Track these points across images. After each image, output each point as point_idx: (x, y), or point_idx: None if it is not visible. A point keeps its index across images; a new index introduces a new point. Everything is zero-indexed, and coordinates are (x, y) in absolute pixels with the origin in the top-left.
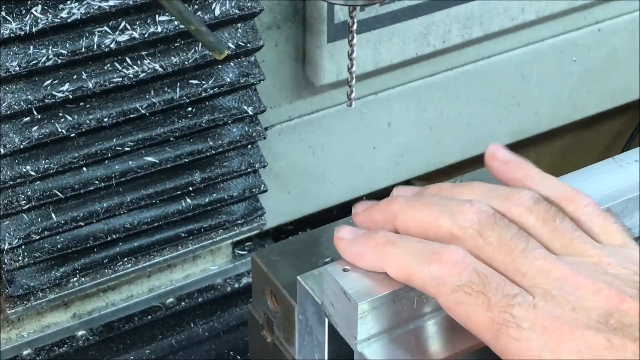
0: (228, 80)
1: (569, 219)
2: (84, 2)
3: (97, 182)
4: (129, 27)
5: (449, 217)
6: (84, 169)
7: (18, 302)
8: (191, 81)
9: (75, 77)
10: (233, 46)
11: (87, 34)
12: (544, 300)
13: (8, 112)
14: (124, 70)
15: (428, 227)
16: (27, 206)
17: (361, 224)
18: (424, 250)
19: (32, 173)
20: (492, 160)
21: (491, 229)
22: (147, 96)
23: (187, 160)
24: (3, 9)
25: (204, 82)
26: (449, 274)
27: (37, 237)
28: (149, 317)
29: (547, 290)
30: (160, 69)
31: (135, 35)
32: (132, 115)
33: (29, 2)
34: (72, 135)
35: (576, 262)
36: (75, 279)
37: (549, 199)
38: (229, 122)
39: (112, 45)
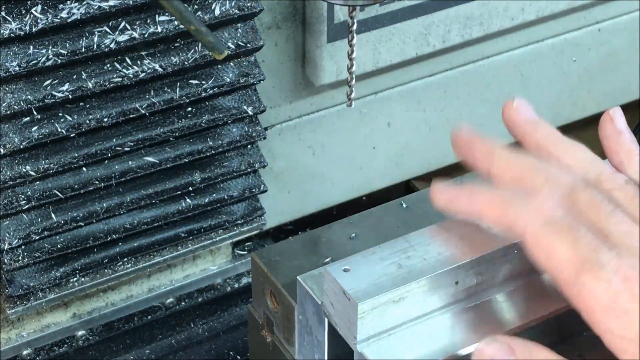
0: (228, 80)
1: None
2: (84, 2)
3: (97, 182)
4: (128, 27)
5: (545, 175)
6: (84, 169)
7: (18, 302)
8: (191, 81)
9: (75, 77)
10: (233, 46)
11: (87, 34)
12: (628, 254)
13: (8, 112)
14: (124, 70)
15: (523, 178)
16: (27, 206)
17: (459, 148)
18: (517, 192)
19: (32, 173)
20: (607, 123)
21: (582, 190)
22: (147, 96)
23: (187, 160)
24: (3, 9)
25: (203, 82)
26: (543, 209)
27: (37, 237)
28: (149, 317)
29: (630, 250)
30: (160, 69)
31: (135, 35)
32: (132, 115)
33: (28, 2)
34: (72, 135)
35: None
36: (75, 279)
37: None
38: (229, 122)
39: (112, 45)
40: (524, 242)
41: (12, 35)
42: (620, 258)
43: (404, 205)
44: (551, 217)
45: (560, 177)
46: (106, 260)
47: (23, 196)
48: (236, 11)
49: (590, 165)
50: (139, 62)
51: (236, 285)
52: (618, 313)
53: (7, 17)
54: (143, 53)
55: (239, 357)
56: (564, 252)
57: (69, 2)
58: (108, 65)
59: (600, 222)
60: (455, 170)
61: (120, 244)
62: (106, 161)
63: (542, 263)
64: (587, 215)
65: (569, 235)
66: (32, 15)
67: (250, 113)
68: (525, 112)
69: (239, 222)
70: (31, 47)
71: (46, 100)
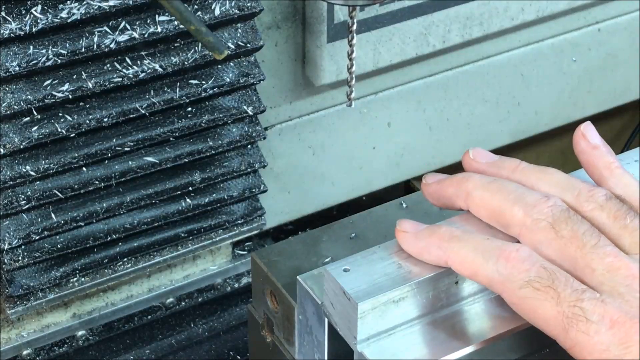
0: (228, 80)
1: None
2: (84, 2)
3: (97, 182)
4: (128, 27)
5: (524, 208)
6: (84, 169)
7: (18, 302)
8: (191, 81)
9: (75, 77)
10: (233, 46)
11: (87, 34)
12: (611, 297)
13: (8, 112)
14: (124, 70)
15: (500, 214)
16: (27, 206)
17: (431, 196)
18: (490, 247)
19: (32, 173)
20: (580, 139)
21: (564, 222)
22: (147, 96)
23: (187, 160)
24: (3, 9)
25: (203, 82)
26: (517, 271)
27: (37, 237)
28: (149, 317)
29: (614, 287)
30: (160, 69)
31: (135, 35)
32: (132, 115)
33: (28, 2)
34: (72, 135)
35: None
36: (75, 279)
37: (620, 197)
38: (229, 122)
39: (112, 45)
40: (505, 299)
41: (12, 35)
42: (604, 303)
43: (404, 205)
44: (527, 277)
45: (539, 206)
46: (106, 260)
47: (23, 196)
48: (236, 11)
49: (567, 186)
50: (139, 62)
51: (236, 285)
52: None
53: (7, 17)
54: (143, 53)
55: (239, 357)
56: (547, 311)
57: (69, 2)
58: (108, 65)
59: (584, 257)
60: (455, 171)
61: (120, 244)
62: (106, 161)
63: (527, 319)
64: (568, 252)
65: (548, 294)
66: (32, 15)
67: (250, 113)
68: (483, 156)
69: (239, 222)
70: (31, 47)
71: (46, 100)
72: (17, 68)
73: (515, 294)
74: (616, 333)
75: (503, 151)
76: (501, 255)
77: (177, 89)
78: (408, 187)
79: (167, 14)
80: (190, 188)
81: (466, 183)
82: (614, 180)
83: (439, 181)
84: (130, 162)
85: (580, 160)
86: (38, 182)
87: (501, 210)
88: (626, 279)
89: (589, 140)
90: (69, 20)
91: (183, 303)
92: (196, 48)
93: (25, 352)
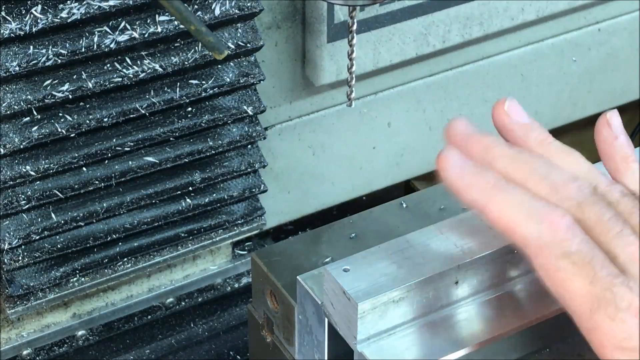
0: (228, 80)
1: None
2: (84, 2)
3: (97, 182)
4: (128, 27)
5: (551, 186)
6: (84, 169)
7: (18, 302)
8: (191, 81)
9: (75, 77)
10: (233, 46)
11: (87, 34)
12: (637, 284)
13: (8, 112)
14: (124, 70)
15: (525, 182)
16: (27, 206)
17: (455, 143)
18: (535, 206)
19: (32, 173)
20: (604, 127)
21: (592, 204)
22: (147, 96)
23: (187, 160)
24: (3, 9)
25: (203, 82)
26: (559, 238)
27: (37, 237)
28: (149, 317)
29: (635, 276)
30: (160, 69)
31: (135, 35)
32: (132, 115)
33: (28, 2)
34: (72, 135)
35: None
36: (75, 278)
37: (635, 195)
38: (229, 122)
39: (112, 45)
40: (535, 265)
41: (12, 35)
42: (632, 291)
43: (404, 205)
44: (569, 248)
45: (566, 188)
46: (106, 260)
47: (23, 196)
48: (236, 11)
49: (587, 175)
50: (139, 62)
51: (236, 285)
52: (629, 352)
53: (7, 17)
54: (143, 53)
55: (239, 357)
56: (580, 288)
57: (69, 2)
58: (108, 65)
59: (609, 243)
60: None
61: (120, 243)
62: (106, 161)
63: (554, 291)
64: (595, 234)
65: (584, 271)
66: (32, 15)
67: (250, 113)
68: (517, 114)
69: (239, 222)
70: (31, 47)
71: (46, 100)
72: (17, 68)
73: (551, 261)
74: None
75: None
76: (546, 217)
77: (177, 89)
78: (408, 187)
79: (167, 14)
80: (190, 188)
81: (492, 149)
82: (630, 176)
83: (467, 135)
84: (130, 162)
85: (599, 149)
86: (38, 182)
87: (526, 184)
88: None
89: (612, 129)
90: (69, 20)
91: (183, 303)
92: (196, 48)
93: (25, 352)
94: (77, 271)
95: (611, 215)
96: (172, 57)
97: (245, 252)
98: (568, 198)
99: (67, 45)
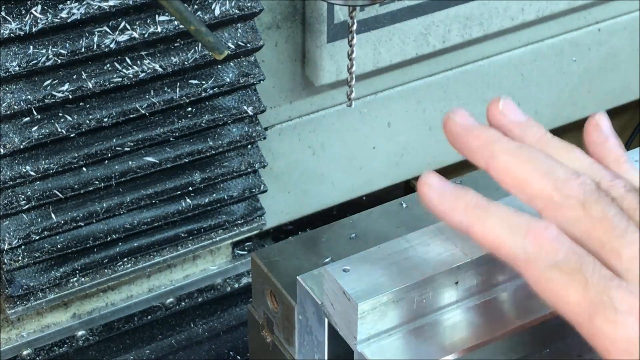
0: (228, 80)
1: None
2: (84, 2)
3: (97, 182)
4: (128, 27)
5: (554, 182)
6: (84, 169)
7: (18, 302)
8: (191, 81)
9: (75, 77)
10: (233, 46)
11: (86, 34)
12: (636, 286)
13: (8, 112)
14: (124, 70)
15: (527, 184)
16: (27, 206)
17: (454, 137)
18: (518, 222)
19: (32, 173)
20: (593, 129)
21: (595, 202)
22: (147, 96)
23: (186, 160)
24: (3, 9)
25: (203, 82)
26: (545, 250)
27: (37, 237)
28: (149, 317)
29: (637, 275)
30: (160, 69)
31: (135, 35)
32: (131, 115)
33: (28, 2)
34: (72, 135)
35: None
36: (75, 279)
37: (637, 189)
38: (229, 122)
39: (112, 45)
40: (527, 280)
41: (12, 35)
42: (631, 294)
43: (404, 205)
44: (556, 258)
45: (570, 183)
46: (106, 260)
47: (23, 196)
48: (236, 11)
49: (589, 171)
50: (139, 62)
51: (236, 286)
52: (636, 354)
53: (7, 17)
54: (143, 53)
55: (238, 357)
56: (575, 296)
57: (69, 2)
58: (108, 65)
59: (613, 241)
60: (455, 171)
61: (120, 244)
62: (106, 161)
63: (550, 303)
64: (596, 234)
65: (575, 278)
66: (32, 15)
67: (250, 113)
68: (513, 113)
69: (239, 222)
70: (31, 47)
71: (46, 100)
72: (17, 68)
73: (540, 274)
74: None
75: None
76: (530, 231)
77: (177, 89)
78: (408, 187)
79: (167, 14)
80: (190, 188)
81: (493, 144)
82: (626, 173)
83: (467, 127)
84: (130, 162)
85: (590, 152)
86: (38, 182)
87: (528, 180)
88: None
89: (602, 131)
90: (69, 20)
91: (183, 303)
92: (196, 48)
93: (25, 352)
94: (77, 271)
95: (615, 212)
96: (172, 57)
97: (245, 252)
98: (571, 195)
99: (67, 45)
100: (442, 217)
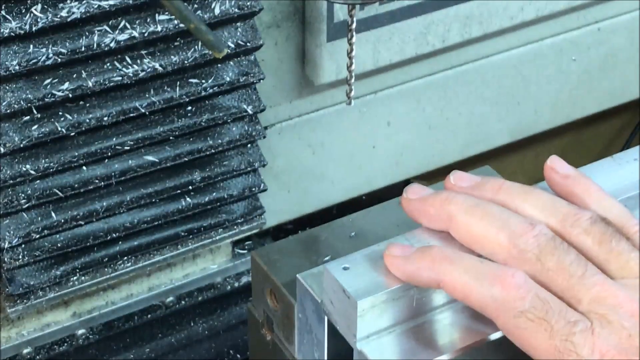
0: (228, 79)
1: (626, 240)
2: (84, 1)
3: (97, 181)
4: (128, 26)
5: (509, 237)
6: (84, 168)
7: (18, 301)
8: (191, 80)
9: (75, 76)
10: (232, 45)
11: (86, 33)
12: (600, 326)
13: (8, 111)
14: (124, 69)
15: (485, 241)
16: (27, 205)
17: (411, 213)
18: (484, 271)
19: (32, 172)
20: (551, 172)
21: (550, 254)
22: (147, 95)
23: (186, 159)
24: (3, 8)
25: (203, 81)
26: (512, 298)
27: (37, 236)
28: (149, 316)
29: (604, 316)
30: (159, 68)
31: (135, 34)
32: (131, 114)
33: (28, 1)
34: (72, 134)
35: (634, 286)
36: (75, 277)
37: (606, 219)
38: (229, 121)
39: (112, 44)
40: (498, 325)
41: (12, 34)
42: (594, 335)
43: None
44: (522, 307)
45: (525, 236)
46: (106, 259)
47: (23, 195)
48: (236, 10)
49: (552, 210)
50: (138, 61)
51: (236, 284)
52: None
53: (7, 16)
54: (143, 52)
55: (238, 355)
56: (541, 343)
57: (69, 1)
58: (108, 64)
59: (571, 289)
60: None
61: (120, 242)
62: (106, 160)
63: (520, 347)
64: (556, 284)
65: (541, 326)
66: (32, 14)
67: (250, 112)
68: (464, 180)
69: (239, 221)
70: (31, 46)
71: (46, 99)
72: (17, 67)
73: (509, 322)
74: None
75: (503, 150)
76: (496, 280)
77: (177, 88)
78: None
79: (166, 12)
80: (190, 187)
81: (449, 206)
82: (595, 204)
83: (421, 199)
84: (130, 161)
85: (557, 193)
86: (38, 181)
87: (486, 237)
88: (614, 308)
89: (559, 171)
90: (69, 19)
91: (183, 302)
92: (196, 47)
93: (25, 351)
94: (77, 270)
95: (572, 260)
96: (172, 56)
97: (245, 251)
98: (527, 250)
99: (67, 44)
100: (413, 280)
